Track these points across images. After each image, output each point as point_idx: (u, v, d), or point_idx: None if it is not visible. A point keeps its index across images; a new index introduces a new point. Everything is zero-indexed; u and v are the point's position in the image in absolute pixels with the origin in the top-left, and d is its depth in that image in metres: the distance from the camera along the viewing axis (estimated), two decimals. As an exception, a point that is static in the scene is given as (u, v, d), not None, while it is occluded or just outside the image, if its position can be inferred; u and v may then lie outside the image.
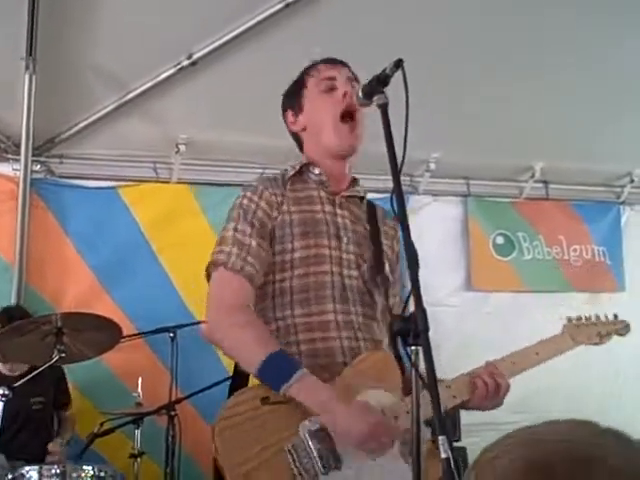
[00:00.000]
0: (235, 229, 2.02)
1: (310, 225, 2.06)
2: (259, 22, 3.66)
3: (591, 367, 4.55)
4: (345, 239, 2.08)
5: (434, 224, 4.64)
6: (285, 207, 2.06)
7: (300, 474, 1.75)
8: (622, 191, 4.89)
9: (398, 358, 1.92)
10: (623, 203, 4.92)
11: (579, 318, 2.29)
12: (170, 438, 3.38)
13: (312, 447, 1.77)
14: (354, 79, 2.14)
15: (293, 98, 2.21)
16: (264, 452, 1.76)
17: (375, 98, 1.85)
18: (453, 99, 4.14)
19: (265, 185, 2.09)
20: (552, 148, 4.55)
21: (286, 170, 2.18)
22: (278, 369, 1.83)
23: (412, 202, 4.51)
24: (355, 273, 2.06)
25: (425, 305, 1.54)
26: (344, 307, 2.01)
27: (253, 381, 1.98)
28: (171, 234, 4.30)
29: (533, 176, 4.79)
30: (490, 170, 4.78)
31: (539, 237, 4.80)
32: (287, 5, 3.60)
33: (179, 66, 3.88)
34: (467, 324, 4.48)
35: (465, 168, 4.75)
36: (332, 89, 2.13)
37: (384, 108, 1.81)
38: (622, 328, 2.34)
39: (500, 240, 4.76)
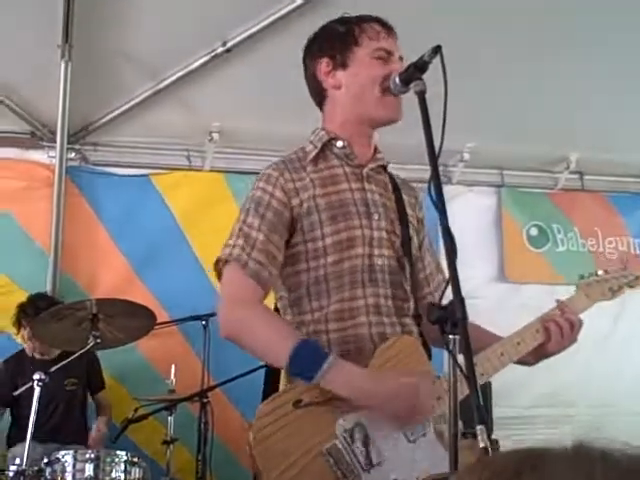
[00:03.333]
0: (244, 222, 1.95)
1: (338, 207, 1.97)
2: (294, 9, 3.63)
3: (618, 361, 4.52)
4: (376, 215, 1.99)
5: (468, 214, 4.61)
6: (309, 192, 1.97)
7: (344, 476, 1.72)
8: (658, 183, 4.83)
9: (424, 339, 1.91)
10: (660, 195, 4.85)
11: (589, 275, 2.24)
12: (202, 425, 3.40)
13: (351, 446, 1.75)
14: (403, 59, 2.05)
15: (338, 49, 2.05)
16: (303, 458, 1.73)
17: (412, 85, 1.82)
18: (487, 89, 4.09)
19: (281, 171, 1.98)
20: (587, 139, 4.49)
21: (304, 149, 2.06)
22: (307, 360, 1.79)
23: (446, 192, 4.44)
24: (387, 252, 1.98)
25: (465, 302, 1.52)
26: (373, 290, 1.95)
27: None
28: (204, 222, 4.31)
29: (568, 167, 4.73)
30: (524, 161, 4.74)
31: (574, 229, 4.74)
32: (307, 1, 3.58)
33: (213, 53, 3.87)
34: (500, 316, 4.41)
35: (499, 158, 4.71)
36: (387, 62, 2.00)
37: (422, 95, 1.77)
38: (632, 280, 2.29)
39: (534, 231, 4.71)
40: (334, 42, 2.06)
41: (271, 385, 1.99)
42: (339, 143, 2.04)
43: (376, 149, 2.10)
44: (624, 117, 4.32)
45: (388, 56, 2.00)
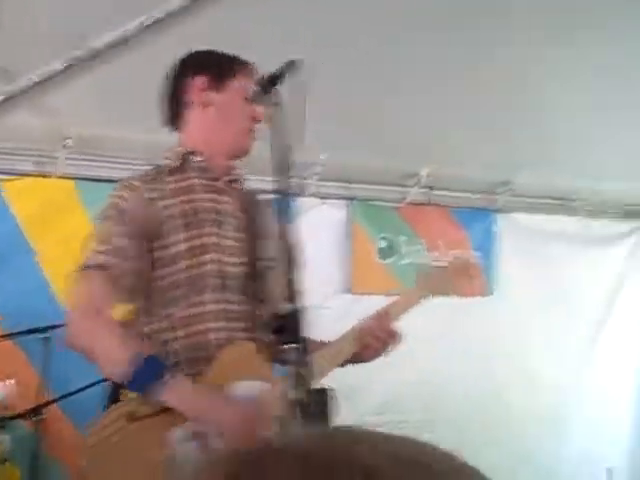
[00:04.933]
0: (102, 229, 1.98)
1: (192, 215, 2.04)
2: (159, 19, 3.59)
3: (452, 365, 4.72)
4: (226, 225, 2.07)
5: (319, 227, 4.69)
6: (165, 201, 2.03)
7: None
8: (498, 198, 5.09)
9: (268, 347, 1.94)
10: (498, 210, 5.11)
11: (431, 268, 2.35)
12: (35, 443, 3.26)
13: (185, 456, 1.75)
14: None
15: (217, 72, 2.14)
16: (139, 471, 1.73)
17: (268, 97, 1.87)
18: (341, 102, 4.19)
19: (141, 180, 2.05)
20: (436, 155, 4.68)
21: (164, 163, 2.13)
22: (143, 375, 1.79)
23: (299, 204, 4.54)
24: (236, 260, 2.06)
25: (307, 307, 1.56)
26: (223, 296, 2.00)
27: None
28: (51, 231, 4.16)
29: (418, 182, 4.90)
30: (376, 174, 4.88)
31: (420, 241, 4.92)
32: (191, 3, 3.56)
33: (72, 57, 3.75)
34: (345, 327, 4.54)
35: (351, 172, 4.83)
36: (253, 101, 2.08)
37: (277, 107, 1.83)
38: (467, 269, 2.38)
39: (382, 244, 4.86)
40: (215, 65, 2.18)
41: (115, 399, 1.97)
42: (197, 157, 2.10)
43: (234, 165, 2.17)
44: (474, 134, 4.54)
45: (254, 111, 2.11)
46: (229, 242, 2.06)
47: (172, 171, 2.10)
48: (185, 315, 1.96)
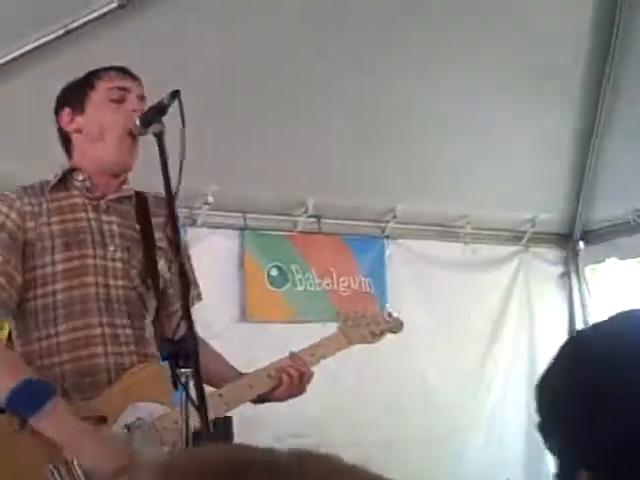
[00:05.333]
0: None
1: (72, 235, 1.98)
2: (34, 48, 3.54)
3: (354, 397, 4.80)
4: (112, 247, 2.03)
5: (212, 256, 4.69)
6: (44, 218, 1.98)
7: None
8: (386, 226, 5.23)
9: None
10: (387, 237, 5.26)
11: (354, 317, 2.35)
12: None
13: (76, 465, 1.74)
14: (144, 98, 2.11)
15: (75, 96, 2.12)
16: (25, 476, 1.70)
17: (152, 127, 1.88)
18: (230, 133, 4.24)
19: (19, 194, 1.99)
20: (323, 184, 4.78)
21: (47, 181, 2.09)
22: (26, 400, 1.77)
23: (190, 234, 4.53)
24: (122, 282, 2.01)
25: (201, 336, 1.58)
26: (110, 320, 1.96)
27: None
28: None
29: (306, 211, 4.98)
30: (266, 204, 4.93)
31: (311, 269, 5.00)
32: (67, 32, 3.53)
33: None
34: (243, 355, 4.54)
35: (242, 202, 4.86)
36: (122, 100, 2.07)
37: (160, 137, 1.84)
38: (395, 326, 2.43)
39: (274, 272, 4.91)
40: (73, 91, 2.16)
41: None
42: (80, 176, 2.07)
43: (124, 180, 2.13)
44: (360, 163, 4.67)
45: (122, 93, 2.05)
46: (114, 264, 2.02)
47: (55, 188, 2.06)
48: (71, 339, 1.92)
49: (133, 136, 2.04)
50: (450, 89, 4.58)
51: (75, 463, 1.72)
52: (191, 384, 1.53)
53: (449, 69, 4.50)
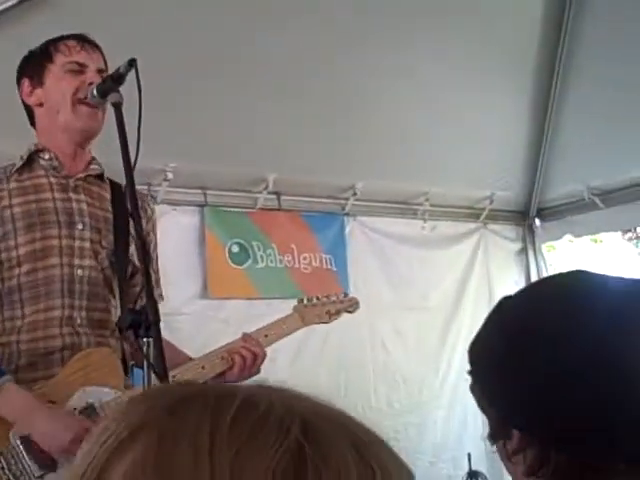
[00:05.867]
0: None
1: (36, 216, 1.97)
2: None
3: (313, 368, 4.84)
4: (80, 225, 2.02)
5: (172, 233, 4.65)
6: (6, 201, 1.96)
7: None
8: (346, 203, 5.26)
9: (124, 354, 1.93)
10: (347, 214, 5.29)
11: (310, 299, 2.36)
12: None
13: (24, 452, 1.73)
14: (104, 70, 2.10)
15: (34, 68, 2.10)
16: None
17: (109, 97, 1.87)
18: (191, 108, 4.22)
19: None
20: (284, 160, 4.79)
21: (14, 163, 2.09)
22: None
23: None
24: (89, 262, 2.00)
25: (162, 314, 1.59)
26: (69, 301, 1.96)
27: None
28: None
29: (267, 187, 4.99)
30: (226, 181, 4.92)
31: (272, 246, 5.01)
32: (21, 1, 3.47)
33: None
34: (204, 331, 4.56)
35: (202, 179, 4.85)
36: (80, 73, 2.06)
37: (118, 107, 1.84)
38: (351, 305, 2.45)
39: (235, 249, 4.91)
40: (31, 63, 2.13)
41: None
42: (46, 155, 2.07)
43: (92, 160, 2.12)
44: (319, 139, 4.69)
45: (81, 68, 2.04)
46: (81, 243, 2.01)
47: (20, 171, 2.04)
48: (31, 320, 1.92)
49: (89, 104, 2.03)
50: (408, 67, 4.61)
51: (17, 442, 1.71)
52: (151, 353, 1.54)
53: (407, 47, 4.53)
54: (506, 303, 1.12)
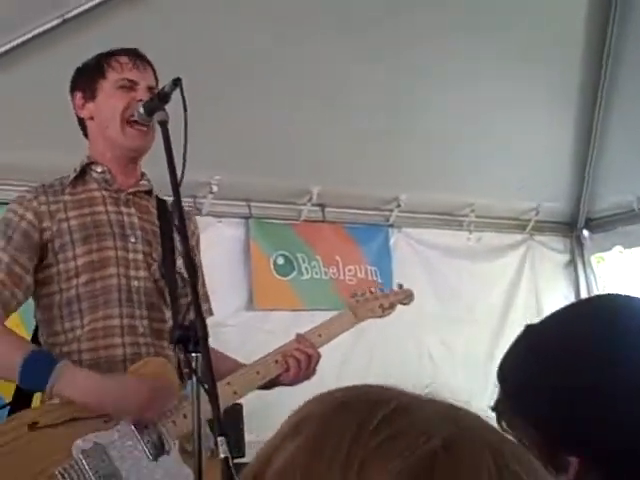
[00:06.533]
0: None
1: (91, 228, 2.01)
2: (36, 36, 3.55)
3: (362, 378, 4.80)
4: (132, 238, 2.05)
5: (217, 245, 4.70)
6: (62, 214, 2.00)
7: None
8: (390, 215, 5.24)
9: (180, 363, 1.95)
10: (391, 226, 5.27)
11: (362, 294, 2.30)
12: None
13: (87, 466, 1.74)
14: (155, 87, 2.12)
15: (86, 82, 2.13)
16: (41, 477, 1.71)
17: (156, 115, 1.89)
18: (235, 122, 4.25)
19: (36, 194, 2.02)
20: (328, 172, 4.79)
21: (68, 175, 2.12)
22: (37, 370, 1.81)
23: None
24: (143, 274, 2.03)
25: (209, 325, 1.60)
26: (129, 311, 1.99)
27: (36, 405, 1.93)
28: None
29: (310, 199, 4.99)
30: (270, 193, 4.94)
31: (317, 258, 5.01)
32: (64, 21, 3.54)
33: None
34: (250, 342, 4.57)
35: (246, 191, 4.87)
36: (131, 90, 2.08)
37: (164, 125, 1.86)
38: (405, 297, 2.38)
39: (280, 260, 4.92)
40: (85, 76, 2.17)
41: (20, 406, 1.96)
42: (98, 168, 2.11)
43: (142, 175, 2.15)
44: (362, 152, 4.68)
45: (132, 85, 2.07)
46: (135, 255, 2.04)
47: (74, 183, 2.08)
48: (90, 329, 1.95)
49: (138, 124, 2.06)
50: (453, 81, 4.59)
51: (80, 457, 1.73)
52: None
53: (454, 61, 4.51)
54: (537, 327, 1.12)
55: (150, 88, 2.11)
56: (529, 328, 1.12)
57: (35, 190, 2.05)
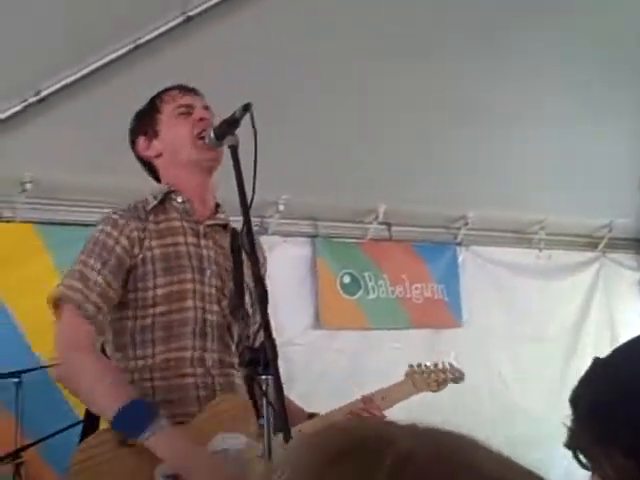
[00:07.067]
0: (85, 263, 1.99)
1: (173, 260, 2.03)
2: (110, 61, 3.66)
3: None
4: (208, 272, 2.07)
5: (284, 264, 4.72)
6: (147, 242, 2.03)
7: None
8: (458, 232, 5.20)
9: (254, 401, 1.96)
10: (459, 244, 5.22)
11: (419, 365, 2.36)
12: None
13: None
14: (209, 108, 2.16)
15: (146, 124, 2.19)
16: None
17: (225, 140, 1.92)
18: (300, 142, 4.28)
19: (127, 219, 2.04)
20: (394, 191, 4.78)
21: (146, 200, 2.13)
22: (133, 420, 1.81)
23: (262, 242, 4.59)
24: (216, 308, 2.06)
25: (276, 343, 1.61)
26: (202, 343, 2.01)
27: (104, 424, 1.96)
28: (15, 275, 4.14)
29: (377, 218, 4.99)
30: (337, 212, 4.96)
31: (383, 276, 5.00)
32: (138, 46, 3.63)
33: (26, 103, 3.78)
34: (317, 361, 4.59)
35: (313, 210, 4.90)
36: (190, 114, 2.12)
37: (234, 149, 1.88)
38: (457, 377, 2.47)
39: (347, 279, 4.92)
40: (142, 120, 2.22)
41: (92, 422, 1.99)
42: (179, 198, 2.13)
43: (218, 207, 2.17)
44: (429, 169, 4.66)
45: (188, 110, 2.12)
46: (210, 290, 2.06)
47: (154, 211, 2.10)
48: (163, 359, 1.97)
49: (209, 148, 2.08)
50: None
51: None
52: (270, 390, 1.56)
53: (516, 69, 4.45)
54: (614, 355, 1.12)
55: (205, 107, 2.15)
56: (602, 359, 1.12)
57: (125, 214, 2.07)
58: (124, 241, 2.02)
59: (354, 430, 0.61)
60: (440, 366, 2.42)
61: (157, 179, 2.22)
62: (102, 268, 1.98)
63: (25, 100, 3.79)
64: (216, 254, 2.13)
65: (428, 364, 2.39)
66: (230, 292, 2.10)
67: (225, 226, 2.20)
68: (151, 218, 2.09)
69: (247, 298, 2.13)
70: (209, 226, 2.15)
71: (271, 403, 1.54)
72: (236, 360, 2.06)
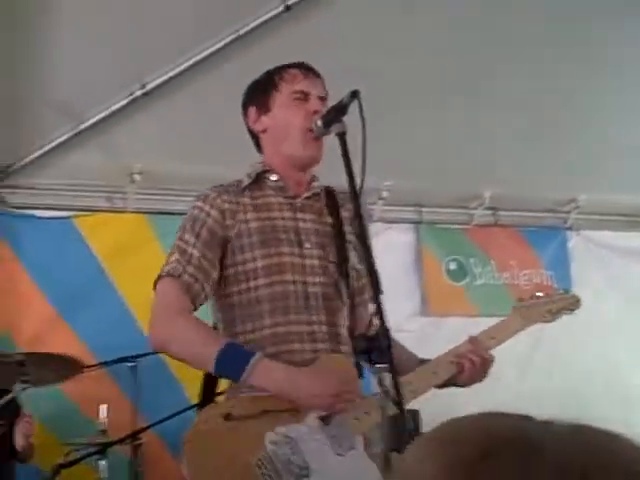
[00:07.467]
0: (180, 238, 2.04)
1: (269, 233, 2.05)
2: (212, 53, 3.72)
3: (538, 387, 4.67)
4: (307, 244, 2.07)
5: (388, 251, 4.71)
6: (242, 215, 2.05)
7: None
8: (568, 217, 5.05)
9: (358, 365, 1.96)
10: (569, 228, 5.08)
11: (531, 297, 2.24)
12: (136, 468, 3.36)
13: (279, 457, 1.79)
14: (325, 98, 2.15)
15: (260, 96, 2.18)
16: (231, 468, 1.78)
17: (333, 127, 1.92)
18: (405, 128, 4.24)
19: (218, 192, 2.08)
20: (499, 175, 4.69)
21: (241, 180, 2.15)
22: (233, 360, 1.87)
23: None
24: (320, 279, 2.05)
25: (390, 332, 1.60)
26: (308, 317, 2.01)
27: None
28: (128, 264, 4.30)
29: (482, 203, 4.91)
30: (441, 198, 4.90)
31: (491, 262, 4.92)
32: (239, 37, 3.68)
33: (132, 96, 3.90)
34: (426, 348, 4.53)
35: (417, 196, 4.86)
36: (305, 100, 2.12)
37: (342, 137, 1.88)
38: (573, 303, 2.29)
39: (453, 266, 4.87)
40: (258, 91, 2.20)
41: (208, 395, 2.05)
42: (273, 177, 2.15)
43: (313, 178, 2.18)
44: (535, 153, 4.54)
45: (305, 97, 2.11)
46: (311, 262, 2.06)
47: (249, 188, 2.12)
48: (272, 333, 1.98)
49: (315, 136, 2.08)
50: (628, 83, 4.34)
51: (273, 448, 1.77)
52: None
53: (629, 64, 4.26)
54: None
55: (321, 98, 2.13)
56: None
57: (216, 188, 2.09)
58: (215, 213, 2.04)
59: (493, 429, 0.61)
60: (554, 295, 2.29)
61: (258, 150, 2.23)
62: (196, 241, 2.01)
63: (131, 94, 3.90)
64: (315, 224, 2.12)
65: (540, 294, 2.26)
66: (334, 257, 2.08)
67: (319, 194, 2.19)
68: (246, 193, 2.11)
69: (352, 259, 2.11)
70: (305, 199, 2.15)
71: (389, 393, 1.54)
72: (344, 329, 2.06)
